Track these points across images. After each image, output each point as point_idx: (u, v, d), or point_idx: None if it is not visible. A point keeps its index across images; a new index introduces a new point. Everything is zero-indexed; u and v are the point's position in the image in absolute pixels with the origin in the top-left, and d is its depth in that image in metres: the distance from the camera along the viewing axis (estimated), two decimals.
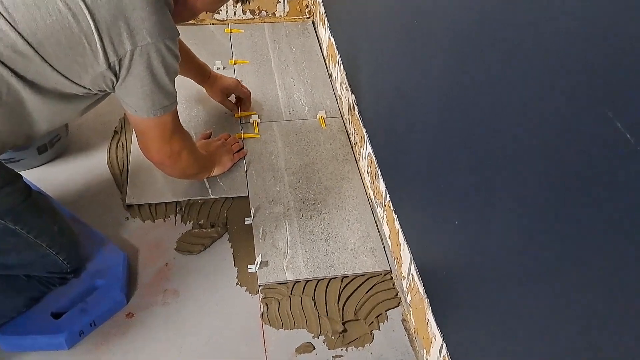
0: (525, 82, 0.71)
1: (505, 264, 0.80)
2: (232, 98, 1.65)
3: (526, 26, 0.69)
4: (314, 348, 1.15)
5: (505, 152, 0.76)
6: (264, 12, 1.98)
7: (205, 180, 1.46)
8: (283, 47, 1.91)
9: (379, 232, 1.39)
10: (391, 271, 1.30)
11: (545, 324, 0.72)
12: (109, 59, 0.99)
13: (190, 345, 1.14)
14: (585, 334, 0.66)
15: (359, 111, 1.51)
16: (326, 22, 1.83)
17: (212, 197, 1.43)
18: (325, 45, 1.87)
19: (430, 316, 1.08)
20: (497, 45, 0.75)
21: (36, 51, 0.93)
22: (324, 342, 1.16)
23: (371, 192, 1.44)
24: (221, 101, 1.59)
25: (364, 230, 1.39)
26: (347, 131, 1.66)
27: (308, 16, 2.01)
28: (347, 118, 1.65)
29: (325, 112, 1.70)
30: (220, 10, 1.97)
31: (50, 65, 0.95)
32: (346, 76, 1.63)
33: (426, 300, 1.10)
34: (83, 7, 0.94)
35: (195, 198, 1.42)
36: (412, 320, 1.17)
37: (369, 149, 1.42)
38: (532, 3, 0.68)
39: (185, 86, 1.62)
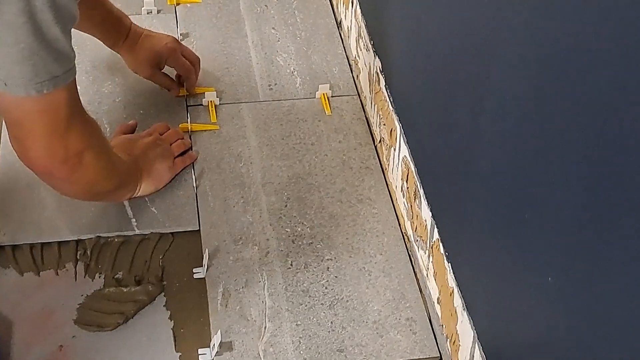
0: None
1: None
2: (170, 70, 1.66)
3: None
4: None
5: None
6: None
7: (126, 203, 1.47)
8: None
9: (420, 292, 1.39)
10: (441, 359, 1.31)
11: None
12: None
13: None
14: None
15: (388, 86, 1.51)
16: None
17: (138, 232, 1.44)
18: None
19: None
20: None
21: None
22: None
23: (408, 225, 1.45)
24: (149, 76, 1.62)
25: (395, 289, 1.39)
26: (367, 120, 1.66)
27: None
28: (368, 97, 1.65)
29: (331, 88, 1.70)
30: None
31: None
32: (367, 26, 1.63)
33: None
34: None
35: (109, 234, 1.43)
36: None
37: (405, 151, 1.43)
38: None
39: (87, 46, 1.63)
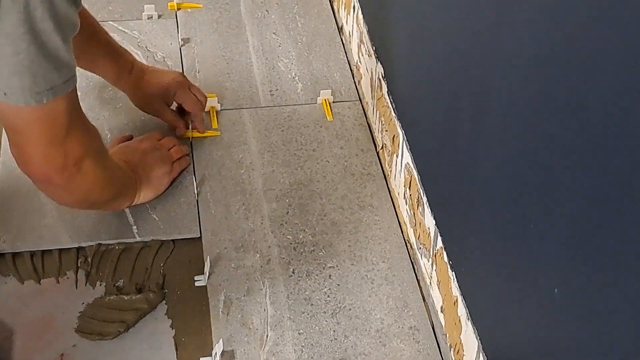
0: None
1: None
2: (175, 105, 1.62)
3: None
4: None
5: None
6: None
7: (126, 210, 1.46)
8: None
9: (423, 300, 1.38)
10: None
11: None
12: None
13: None
14: None
15: (390, 92, 1.51)
16: None
17: (138, 240, 1.43)
18: None
19: None
20: None
21: None
22: None
23: (411, 232, 1.44)
24: (157, 112, 1.58)
25: (398, 297, 1.38)
26: (369, 126, 1.66)
27: None
28: (370, 103, 1.65)
29: (333, 93, 1.70)
30: None
31: None
32: (369, 31, 1.63)
33: None
34: None
35: (109, 242, 1.43)
36: None
37: (407, 158, 1.42)
38: None
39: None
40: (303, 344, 1.31)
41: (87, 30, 1.42)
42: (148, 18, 1.83)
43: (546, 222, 0.96)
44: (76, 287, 1.37)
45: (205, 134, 1.60)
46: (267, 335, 1.32)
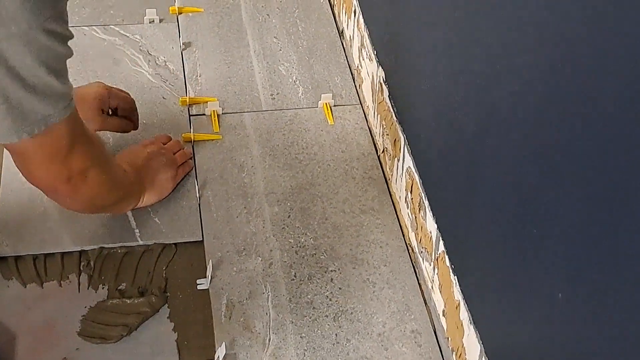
0: None
1: None
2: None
3: None
4: None
5: None
6: None
7: (129, 214, 1.46)
8: None
9: (425, 304, 1.38)
10: None
11: None
12: None
13: None
14: None
15: (391, 96, 1.51)
16: None
17: (141, 243, 1.43)
18: None
19: None
20: None
21: None
22: None
23: (412, 236, 1.44)
24: (101, 125, 1.50)
25: (399, 301, 1.38)
26: (370, 129, 1.66)
27: None
28: (371, 107, 1.65)
29: (334, 97, 1.70)
30: None
31: None
32: (370, 35, 1.63)
33: None
34: None
35: (112, 245, 1.42)
36: None
37: (409, 162, 1.42)
38: None
39: (89, 55, 1.60)
40: (305, 348, 1.31)
41: None
42: (149, 22, 1.83)
43: (550, 225, 0.96)
44: (79, 291, 1.37)
45: (206, 138, 1.60)
46: (270, 339, 1.32)
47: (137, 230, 1.44)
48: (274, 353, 1.30)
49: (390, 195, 1.54)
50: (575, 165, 0.90)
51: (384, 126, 1.55)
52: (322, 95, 1.69)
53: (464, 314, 1.22)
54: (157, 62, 1.75)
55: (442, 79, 1.27)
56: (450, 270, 1.26)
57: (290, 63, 1.78)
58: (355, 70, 1.75)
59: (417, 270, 1.42)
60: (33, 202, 1.46)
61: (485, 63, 1.09)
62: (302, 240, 1.46)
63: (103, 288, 1.37)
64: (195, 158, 1.57)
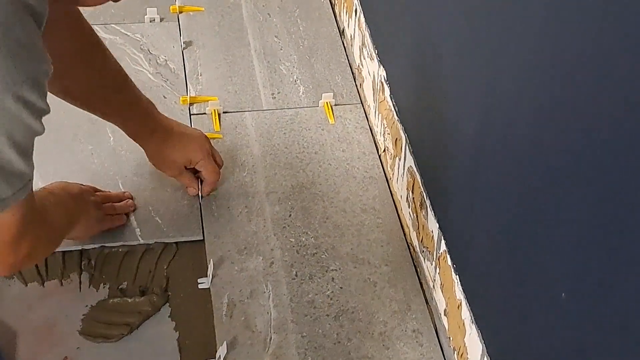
0: None
1: None
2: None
3: None
4: None
5: None
6: None
7: (131, 215, 1.46)
8: None
9: (426, 303, 1.38)
10: None
11: None
12: None
13: None
14: None
15: (393, 95, 1.51)
16: None
17: (142, 242, 1.43)
18: None
19: None
20: None
21: None
22: None
23: (413, 236, 1.44)
24: (176, 176, 1.48)
25: (401, 300, 1.38)
26: (371, 129, 1.66)
27: None
28: (372, 106, 1.65)
29: (335, 96, 1.70)
30: None
31: None
32: (371, 35, 1.63)
33: None
34: None
35: (113, 244, 1.42)
36: None
37: (410, 161, 1.42)
38: None
39: None
40: (306, 347, 1.31)
41: (117, 83, 1.37)
42: (150, 21, 1.82)
43: (552, 224, 0.96)
44: (80, 290, 1.37)
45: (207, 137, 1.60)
46: (271, 338, 1.31)
47: (138, 230, 1.44)
48: (275, 352, 1.29)
49: (391, 194, 1.54)
50: (577, 164, 0.89)
51: (385, 125, 1.55)
52: (323, 94, 1.69)
53: (466, 314, 1.21)
54: (157, 61, 1.74)
55: (444, 77, 1.27)
56: (452, 270, 1.25)
57: (291, 62, 1.78)
58: (356, 70, 1.75)
59: (418, 270, 1.42)
60: None
61: (487, 59, 1.09)
62: (303, 239, 1.45)
63: (104, 287, 1.37)
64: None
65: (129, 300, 1.35)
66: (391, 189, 1.54)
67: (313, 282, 1.39)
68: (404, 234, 1.48)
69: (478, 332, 1.18)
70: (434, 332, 1.34)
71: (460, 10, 1.17)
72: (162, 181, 1.51)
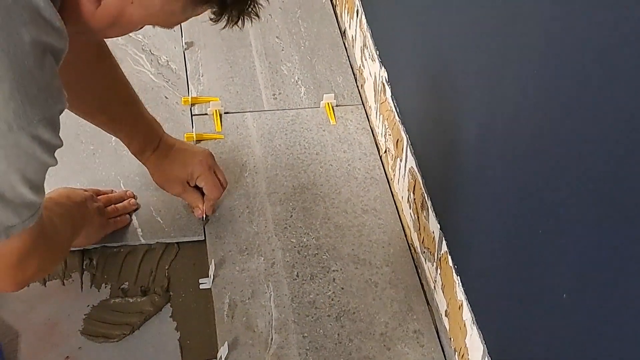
0: None
1: None
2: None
3: None
4: None
5: None
6: None
7: (133, 215, 1.46)
8: None
9: (427, 304, 1.38)
10: None
11: None
12: None
13: None
14: None
15: (394, 96, 1.51)
16: None
17: (143, 242, 1.43)
18: None
19: None
20: None
21: None
22: None
23: (414, 236, 1.44)
24: (179, 194, 1.46)
25: (402, 301, 1.38)
26: (372, 129, 1.66)
27: None
28: (373, 107, 1.64)
29: (336, 97, 1.70)
30: None
31: None
32: (372, 35, 1.62)
33: None
34: None
35: (115, 244, 1.42)
36: None
37: (412, 162, 1.42)
38: None
39: None
40: (307, 347, 1.31)
41: (123, 99, 1.37)
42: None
43: (554, 225, 0.96)
44: (81, 290, 1.36)
45: (209, 137, 1.60)
46: (272, 339, 1.31)
47: (139, 230, 1.44)
48: (276, 352, 1.29)
49: (393, 195, 1.54)
50: (578, 165, 0.89)
51: (387, 126, 1.55)
52: (324, 95, 1.69)
53: (467, 314, 1.21)
54: (159, 61, 1.74)
55: (445, 78, 1.27)
56: (453, 271, 1.25)
57: (293, 63, 1.78)
58: (358, 71, 1.75)
59: (419, 271, 1.42)
60: None
61: (489, 61, 1.09)
62: (305, 240, 1.45)
63: (106, 287, 1.37)
64: None
65: (131, 300, 1.35)
66: (392, 189, 1.54)
67: (314, 283, 1.39)
68: (405, 235, 1.48)
69: (479, 333, 1.18)
70: (435, 333, 1.34)
71: (461, 11, 1.17)
72: None
